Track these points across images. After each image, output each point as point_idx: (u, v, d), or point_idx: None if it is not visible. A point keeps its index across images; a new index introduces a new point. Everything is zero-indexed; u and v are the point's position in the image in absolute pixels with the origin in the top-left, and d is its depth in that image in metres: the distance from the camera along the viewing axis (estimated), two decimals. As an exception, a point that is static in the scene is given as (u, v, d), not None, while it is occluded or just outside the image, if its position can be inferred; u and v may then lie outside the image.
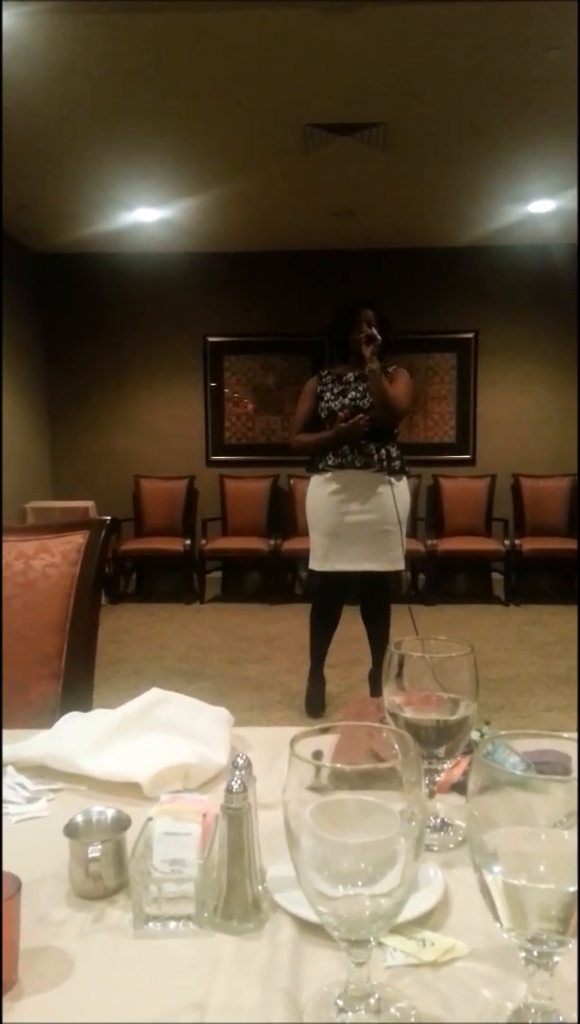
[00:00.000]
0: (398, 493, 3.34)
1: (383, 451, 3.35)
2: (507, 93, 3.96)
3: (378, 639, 3.55)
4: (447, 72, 3.76)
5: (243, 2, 3.15)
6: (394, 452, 3.39)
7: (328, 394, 3.45)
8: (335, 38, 3.43)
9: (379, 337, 3.28)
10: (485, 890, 0.54)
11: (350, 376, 3.43)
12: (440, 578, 6.37)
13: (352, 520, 3.34)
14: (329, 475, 3.38)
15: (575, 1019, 0.56)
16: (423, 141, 4.56)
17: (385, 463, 3.34)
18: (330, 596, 3.55)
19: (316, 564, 3.46)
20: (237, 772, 0.72)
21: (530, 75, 3.76)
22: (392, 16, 3.28)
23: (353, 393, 3.40)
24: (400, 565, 3.44)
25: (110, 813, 0.80)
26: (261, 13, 3.25)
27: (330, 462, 3.37)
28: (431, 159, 4.81)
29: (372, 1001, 0.58)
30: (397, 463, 3.38)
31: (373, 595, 3.57)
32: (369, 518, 3.33)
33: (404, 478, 3.43)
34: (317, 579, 3.58)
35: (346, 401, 3.40)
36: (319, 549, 3.44)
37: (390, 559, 3.39)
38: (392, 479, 3.34)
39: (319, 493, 3.42)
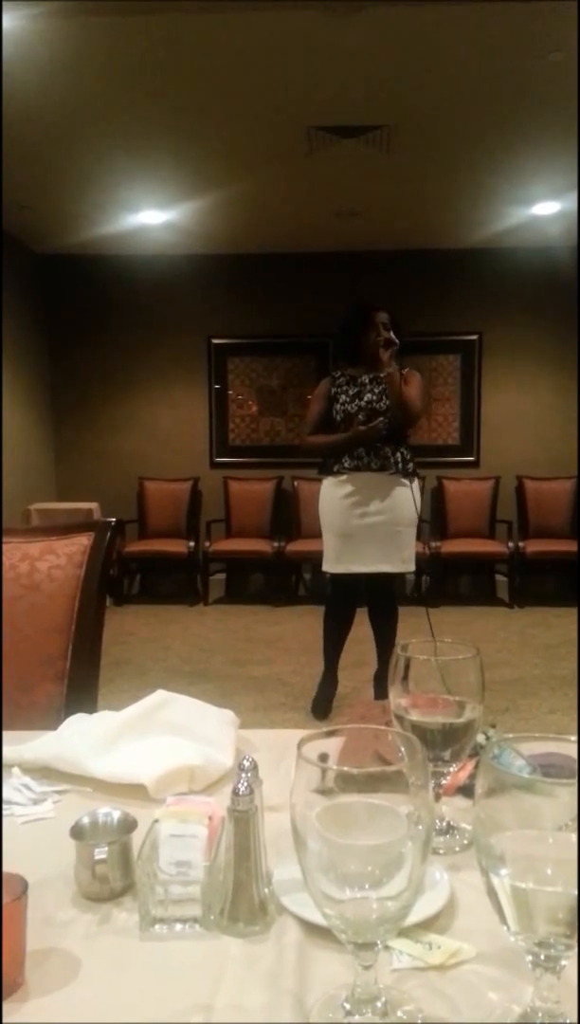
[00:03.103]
0: (415, 495, 3.38)
1: (398, 454, 3.36)
2: (510, 95, 3.96)
3: (385, 641, 3.54)
4: (450, 74, 3.76)
5: (247, 4, 3.16)
6: (407, 455, 3.41)
7: (343, 396, 3.43)
8: (338, 40, 3.43)
9: (398, 341, 3.27)
10: (492, 893, 0.54)
11: (365, 378, 3.42)
12: (444, 580, 6.37)
13: (365, 522, 3.35)
14: (344, 477, 3.37)
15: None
16: (426, 143, 4.56)
17: (400, 465, 3.35)
18: (343, 599, 3.55)
19: (329, 566, 3.47)
20: (243, 774, 0.72)
21: (533, 77, 3.76)
22: (395, 18, 3.28)
23: (369, 395, 3.39)
24: (412, 566, 3.46)
25: (116, 815, 0.80)
26: (265, 15, 3.25)
27: (346, 464, 3.36)
28: (434, 161, 4.81)
29: (379, 1004, 0.58)
30: (410, 465, 3.40)
31: (381, 597, 3.57)
32: (382, 519, 3.34)
33: (416, 480, 3.44)
34: (329, 582, 3.58)
35: (362, 404, 3.39)
36: (332, 551, 3.44)
37: (402, 559, 3.41)
38: (406, 480, 3.36)
39: (333, 495, 3.42)
